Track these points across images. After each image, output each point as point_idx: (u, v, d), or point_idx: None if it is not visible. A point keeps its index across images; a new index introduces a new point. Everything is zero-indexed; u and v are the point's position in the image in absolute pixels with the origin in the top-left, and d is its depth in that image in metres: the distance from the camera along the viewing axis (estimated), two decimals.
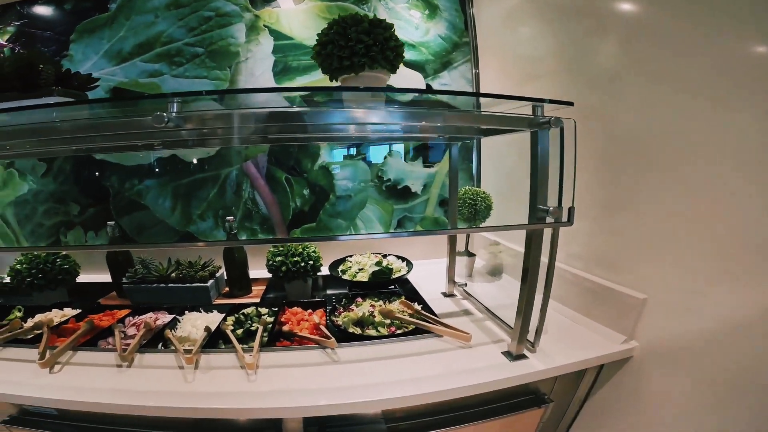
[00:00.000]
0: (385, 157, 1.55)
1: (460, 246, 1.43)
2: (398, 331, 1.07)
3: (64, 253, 1.38)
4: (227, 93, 0.95)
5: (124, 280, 1.32)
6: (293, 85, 1.53)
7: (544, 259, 0.85)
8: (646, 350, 0.91)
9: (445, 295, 1.30)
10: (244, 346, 0.96)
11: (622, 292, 0.95)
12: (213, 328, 1.06)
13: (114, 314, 1.21)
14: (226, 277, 1.41)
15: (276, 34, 1.55)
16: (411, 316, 1.12)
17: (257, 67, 1.54)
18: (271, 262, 1.33)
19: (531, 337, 0.92)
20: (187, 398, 0.78)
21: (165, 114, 0.62)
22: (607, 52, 1.00)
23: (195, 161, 1.52)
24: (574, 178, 0.79)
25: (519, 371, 0.86)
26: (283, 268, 1.31)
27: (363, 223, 1.58)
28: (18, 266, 1.31)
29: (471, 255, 1.41)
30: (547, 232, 0.84)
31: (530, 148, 0.81)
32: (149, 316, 1.17)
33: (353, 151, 1.56)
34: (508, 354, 0.92)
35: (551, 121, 0.77)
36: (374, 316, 1.13)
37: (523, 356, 0.91)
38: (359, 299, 1.23)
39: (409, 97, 0.93)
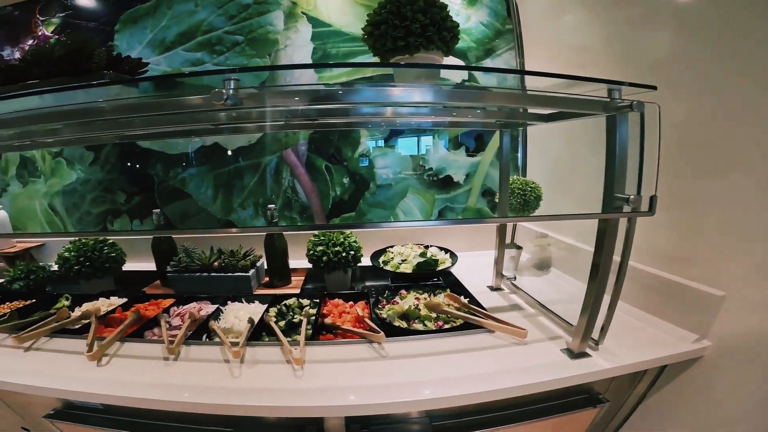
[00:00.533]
0: (427, 146, 1.51)
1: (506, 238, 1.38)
2: (446, 326, 1.03)
3: (111, 241, 1.41)
4: (286, 68, 0.89)
5: (168, 268, 1.33)
6: (333, 75, 1.50)
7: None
8: (718, 349, 0.84)
9: (492, 288, 1.26)
10: (288, 339, 0.94)
11: (697, 289, 0.88)
12: (256, 319, 1.04)
13: (159, 304, 1.22)
14: (265, 267, 1.41)
15: (314, 21, 1.52)
16: (459, 310, 1.08)
17: (296, 54, 1.52)
18: (312, 252, 1.31)
19: (595, 335, 0.87)
20: (235, 395, 0.76)
21: (224, 91, 0.60)
22: (657, 41, 0.95)
23: (236, 150, 1.52)
24: (658, 166, 0.73)
25: (582, 370, 0.82)
26: (324, 258, 1.29)
27: (403, 213, 1.54)
28: (66, 254, 1.33)
29: (518, 248, 1.35)
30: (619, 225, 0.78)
31: (606, 133, 0.74)
32: (192, 306, 1.17)
33: (395, 139, 1.52)
34: (568, 351, 0.88)
35: (633, 105, 0.70)
36: (419, 310, 1.10)
37: (585, 354, 0.86)
38: (403, 291, 1.20)
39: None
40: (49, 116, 0.75)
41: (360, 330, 0.97)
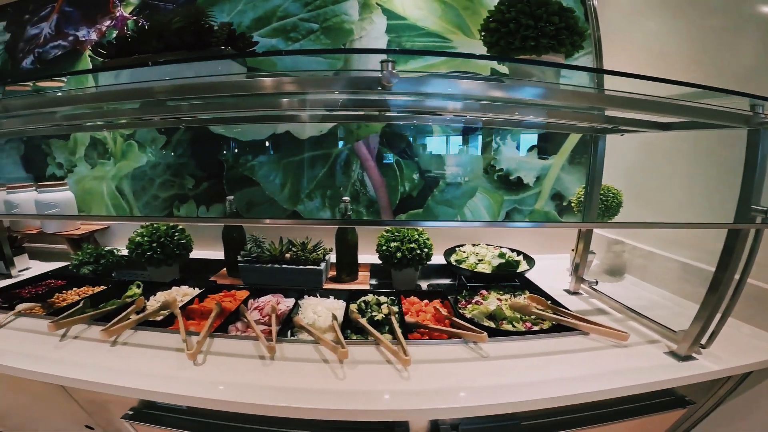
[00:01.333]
0: (499, 146, 1.50)
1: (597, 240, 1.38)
2: (535, 328, 1.04)
3: (181, 227, 1.41)
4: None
5: (240, 258, 1.33)
6: (407, 69, 1.49)
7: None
8: None
9: (569, 292, 1.26)
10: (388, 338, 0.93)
11: None
12: (334, 315, 1.02)
13: (233, 295, 1.19)
14: (333, 261, 1.41)
15: (388, 13, 1.50)
16: (545, 311, 1.09)
17: (371, 46, 1.51)
18: (384, 248, 1.32)
19: (703, 340, 0.87)
20: (347, 398, 0.73)
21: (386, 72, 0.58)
22: (746, 49, 0.94)
23: (307, 139, 1.52)
24: None
25: (691, 372, 0.82)
26: (399, 255, 1.30)
27: (470, 212, 1.54)
28: (138, 238, 1.31)
29: (591, 253, 1.35)
30: None
31: (747, 147, 0.74)
32: (268, 300, 1.15)
33: (469, 137, 1.52)
34: (673, 354, 0.88)
35: None
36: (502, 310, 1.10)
37: (691, 357, 0.87)
38: (483, 292, 1.20)
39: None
40: (164, 91, 0.72)
41: (459, 330, 0.97)
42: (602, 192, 1.25)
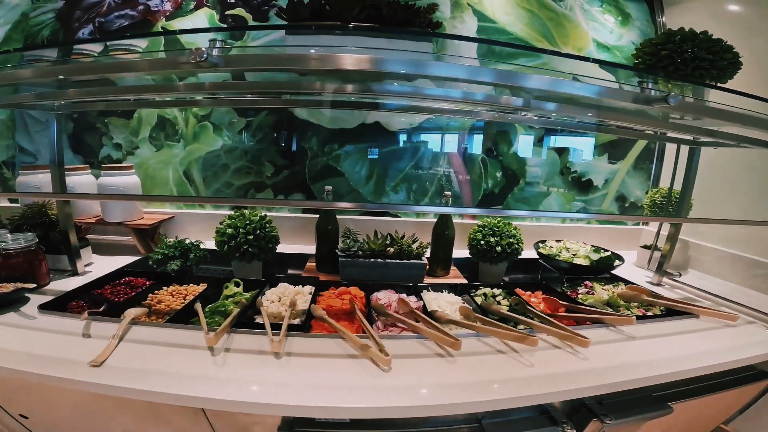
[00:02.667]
0: (576, 149, 1.61)
1: (647, 240, 1.53)
2: (648, 313, 1.14)
3: (268, 218, 1.33)
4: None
5: (340, 253, 1.31)
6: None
7: None
8: None
9: (652, 284, 1.39)
10: (524, 329, 0.96)
11: None
12: (454, 309, 1.05)
13: (348, 292, 1.13)
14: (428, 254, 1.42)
15: (479, 15, 1.56)
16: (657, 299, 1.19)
17: (463, 45, 1.55)
18: (483, 242, 1.36)
19: None
20: (554, 380, 0.77)
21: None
22: None
23: (397, 131, 1.53)
24: None
25: None
26: (498, 249, 1.35)
27: (544, 210, 1.64)
28: (230, 230, 1.22)
29: (657, 249, 1.50)
30: None
31: None
32: (388, 296, 1.13)
33: (549, 138, 1.61)
34: None
35: None
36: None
37: None
38: (588, 283, 1.29)
39: None
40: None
41: (606, 316, 1.05)
42: (676, 196, 1.40)
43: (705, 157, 1.45)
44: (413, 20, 0.82)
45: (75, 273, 1.21)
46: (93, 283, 1.11)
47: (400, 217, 1.58)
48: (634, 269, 1.53)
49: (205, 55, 0.54)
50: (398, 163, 1.55)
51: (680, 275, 1.37)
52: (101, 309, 0.92)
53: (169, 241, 1.28)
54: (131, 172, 1.40)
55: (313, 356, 0.81)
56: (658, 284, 1.39)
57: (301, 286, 1.17)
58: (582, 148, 1.62)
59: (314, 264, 1.43)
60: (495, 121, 1.52)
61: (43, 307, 0.94)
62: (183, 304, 1.02)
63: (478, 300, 1.15)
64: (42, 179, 1.39)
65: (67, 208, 1.17)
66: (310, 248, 1.45)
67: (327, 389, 0.70)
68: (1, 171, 1.60)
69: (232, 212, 1.30)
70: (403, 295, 1.14)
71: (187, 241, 1.29)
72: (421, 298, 1.14)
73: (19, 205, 1.48)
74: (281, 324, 0.88)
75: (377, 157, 1.54)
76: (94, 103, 1.24)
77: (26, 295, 1.02)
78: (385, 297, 1.15)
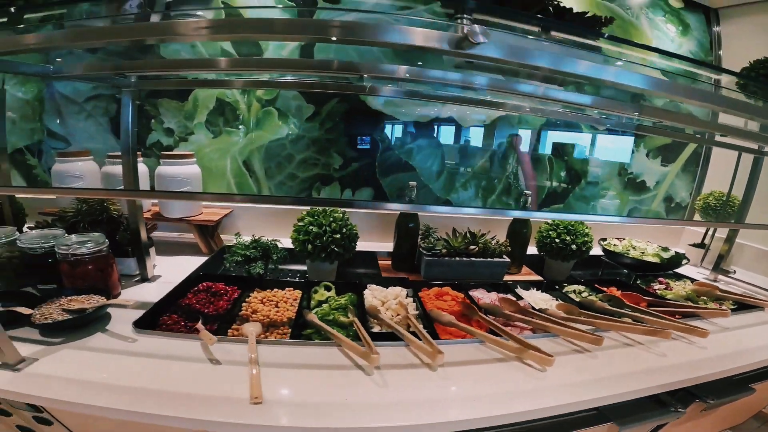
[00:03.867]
0: (633, 152, 1.66)
1: (689, 238, 1.62)
2: (723, 307, 1.20)
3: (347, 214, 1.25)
4: None
5: (424, 252, 1.25)
6: None
7: None
8: None
9: (708, 280, 1.46)
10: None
11: None
12: (552, 306, 1.06)
13: (447, 293, 1.09)
14: None
15: None
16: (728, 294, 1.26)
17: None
18: (558, 240, 1.37)
19: None
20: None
21: None
22: None
23: (470, 127, 1.50)
24: None
25: None
26: (573, 247, 1.36)
27: (600, 209, 1.67)
28: (314, 228, 1.12)
29: (707, 248, 1.58)
30: None
31: None
32: (487, 295, 1.12)
33: (609, 142, 1.65)
34: None
35: None
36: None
37: None
38: (662, 279, 1.34)
39: None
40: None
41: (704, 309, 1.09)
42: (731, 200, 1.49)
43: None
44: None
45: (145, 278, 1.08)
46: (175, 291, 0.97)
47: (460, 214, 1.55)
48: (686, 266, 1.61)
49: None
50: (469, 159, 1.52)
51: (735, 272, 1.45)
52: (198, 324, 0.80)
53: (245, 241, 1.18)
54: (192, 161, 1.26)
55: (464, 364, 0.77)
56: (714, 280, 1.46)
57: (400, 287, 1.11)
58: (640, 151, 1.67)
59: (388, 262, 1.37)
60: (564, 121, 1.53)
61: (139, 325, 0.82)
62: (281, 314, 0.94)
63: (574, 297, 1.16)
64: (83, 167, 1.23)
65: (138, 202, 1.03)
66: (375, 245, 1.40)
67: (501, 396, 0.68)
68: (24, 157, 1.39)
69: (309, 208, 1.21)
70: (504, 294, 1.12)
71: (263, 240, 1.19)
72: (519, 297, 1.12)
73: (52, 197, 1.29)
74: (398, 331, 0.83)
75: (449, 152, 1.50)
76: (166, 80, 1.09)
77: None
78: (485, 296, 1.12)
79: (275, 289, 1.09)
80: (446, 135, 1.49)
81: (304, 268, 1.25)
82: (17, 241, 0.90)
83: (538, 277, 1.38)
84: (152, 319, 0.86)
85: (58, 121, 1.36)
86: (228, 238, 1.35)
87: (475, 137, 1.51)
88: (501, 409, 0.65)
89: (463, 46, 0.50)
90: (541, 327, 0.92)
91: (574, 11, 0.85)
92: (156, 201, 1.30)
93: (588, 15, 0.87)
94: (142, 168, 1.26)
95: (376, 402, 0.65)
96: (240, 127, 1.39)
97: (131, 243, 1.05)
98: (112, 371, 0.68)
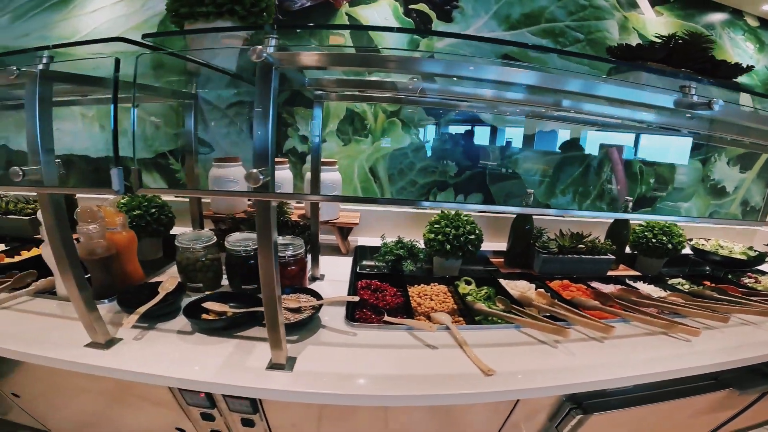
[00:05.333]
0: (715, 160, 1.78)
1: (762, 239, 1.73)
2: None
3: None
4: None
5: (541, 250, 1.38)
6: None
7: None
8: None
9: None
10: None
11: None
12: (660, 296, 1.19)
13: (570, 286, 1.26)
14: None
15: (642, 38, 1.67)
16: None
17: None
18: (655, 240, 1.49)
19: None
20: None
21: None
22: None
23: (566, 140, 1.62)
24: None
25: None
26: (669, 246, 1.48)
27: (683, 212, 1.79)
28: (451, 230, 1.24)
29: None
30: None
31: None
32: (605, 286, 1.27)
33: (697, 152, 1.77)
34: None
35: None
36: None
37: None
38: (751, 274, 1.47)
39: None
40: None
41: None
42: None
43: None
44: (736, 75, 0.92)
45: (315, 277, 1.20)
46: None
47: (563, 217, 1.67)
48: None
49: None
50: (568, 168, 1.64)
51: None
52: (386, 317, 0.94)
53: (389, 241, 1.31)
54: (336, 168, 1.39)
55: (622, 337, 0.93)
56: None
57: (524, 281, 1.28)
58: (721, 159, 1.79)
59: (498, 260, 1.50)
60: (655, 134, 1.65)
61: (351, 320, 0.93)
62: (442, 305, 1.07)
63: (686, 288, 1.32)
64: (236, 172, 1.35)
65: (316, 207, 1.16)
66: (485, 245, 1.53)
67: (666, 359, 0.85)
68: (168, 161, 1.52)
69: (439, 212, 1.35)
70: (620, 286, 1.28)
71: (406, 240, 1.32)
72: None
73: (185, 199, 1.42)
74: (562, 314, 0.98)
75: (550, 162, 1.62)
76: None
77: None
78: (603, 288, 1.28)
79: (422, 284, 1.23)
80: (548, 145, 1.61)
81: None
82: (226, 243, 1.02)
83: (635, 272, 1.50)
84: (353, 314, 0.97)
85: (201, 126, 1.48)
86: (352, 239, 1.48)
87: (573, 147, 1.63)
88: (672, 365, 0.81)
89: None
90: (672, 309, 1.07)
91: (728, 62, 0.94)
92: (303, 204, 1.42)
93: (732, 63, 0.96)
94: (289, 174, 1.39)
95: (579, 365, 0.80)
96: (367, 135, 1.51)
97: (309, 243, 1.18)
98: (360, 363, 0.77)
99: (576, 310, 0.99)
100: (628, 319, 1.02)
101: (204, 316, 0.87)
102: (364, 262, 1.38)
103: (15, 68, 0.63)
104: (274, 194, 0.63)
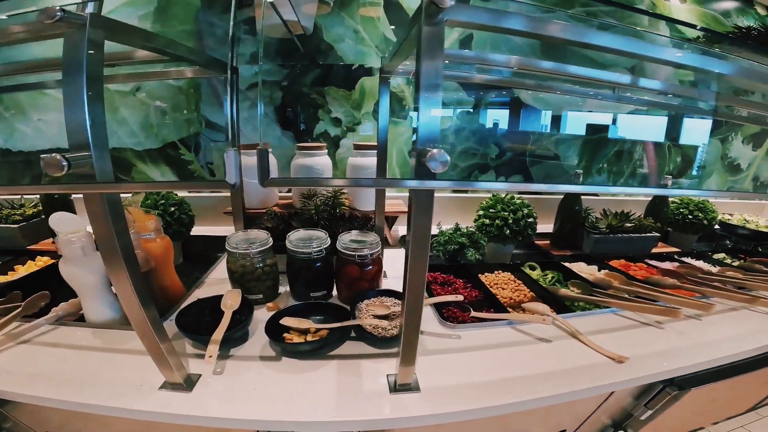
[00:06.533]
0: (732, 139, 1.83)
1: None
2: None
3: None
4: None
5: (591, 230, 1.34)
6: None
7: None
8: None
9: None
10: None
11: None
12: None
13: (630, 266, 1.23)
14: None
15: (669, 27, 1.66)
16: None
17: None
18: (688, 216, 1.50)
19: None
20: None
21: None
22: None
23: (602, 123, 1.59)
24: None
25: None
26: (704, 222, 1.49)
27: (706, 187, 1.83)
28: (507, 214, 1.17)
29: None
30: None
31: None
32: (663, 264, 1.25)
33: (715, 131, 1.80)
34: None
35: None
36: None
37: None
38: None
39: None
40: None
41: None
42: None
43: None
44: None
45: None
46: None
47: (598, 195, 1.65)
48: None
49: None
50: (603, 148, 1.61)
51: None
52: (473, 312, 0.85)
53: (446, 229, 1.21)
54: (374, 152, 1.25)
55: (717, 314, 0.91)
56: None
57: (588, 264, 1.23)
58: (737, 138, 1.84)
59: (546, 242, 1.44)
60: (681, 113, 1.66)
61: (445, 320, 0.83)
62: (523, 292, 1.00)
63: (733, 263, 1.30)
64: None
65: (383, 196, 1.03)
66: None
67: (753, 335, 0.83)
68: (179, 152, 1.32)
69: (489, 197, 1.26)
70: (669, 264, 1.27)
71: (463, 228, 1.23)
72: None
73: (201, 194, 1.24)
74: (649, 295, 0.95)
75: (587, 144, 1.58)
76: None
77: None
78: (661, 265, 1.26)
79: (486, 273, 1.14)
80: (584, 128, 1.57)
81: None
82: (287, 244, 0.87)
83: (674, 249, 1.50)
84: (441, 313, 0.86)
85: (218, 111, 1.29)
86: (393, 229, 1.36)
87: (608, 129, 1.61)
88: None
89: None
90: (740, 284, 1.05)
91: None
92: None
93: None
94: (328, 161, 1.24)
95: (689, 344, 0.79)
96: (406, 117, 1.38)
97: None
98: (482, 368, 0.69)
99: (665, 291, 0.96)
100: (707, 295, 0.99)
101: (286, 335, 0.72)
102: None
103: (59, 9, 0.44)
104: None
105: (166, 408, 0.56)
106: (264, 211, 1.09)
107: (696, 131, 1.75)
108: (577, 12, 1.44)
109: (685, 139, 1.73)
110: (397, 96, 1.37)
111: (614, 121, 1.61)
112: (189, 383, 0.60)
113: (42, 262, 1.06)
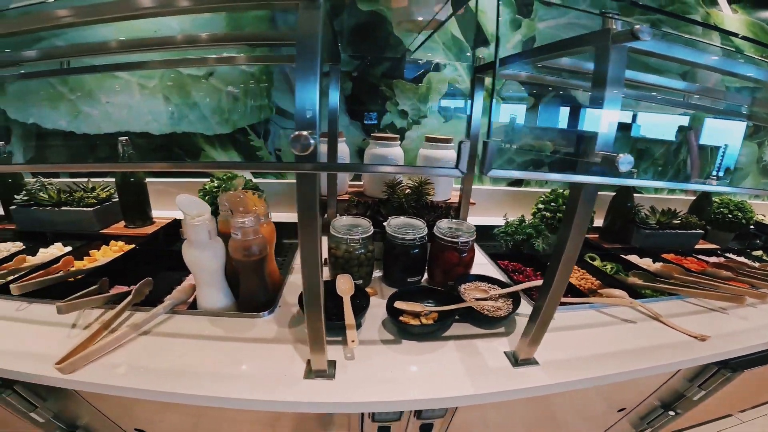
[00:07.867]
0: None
1: None
2: None
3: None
4: None
5: (642, 225, 1.40)
6: None
7: None
8: None
9: None
10: None
11: None
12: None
13: (681, 260, 1.30)
14: None
15: (722, 36, 1.69)
16: None
17: None
18: (728, 215, 1.56)
19: None
20: None
21: None
22: None
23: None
24: None
25: None
26: (744, 221, 1.57)
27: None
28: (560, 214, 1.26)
29: None
30: None
31: None
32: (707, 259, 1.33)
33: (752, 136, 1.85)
34: None
35: None
36: None
37: None
38: None
39: None
40: None
41: None
42: None
43: None
44: None
45: None
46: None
47: (642, 193, 1.71)
48: None
49: None
50: (650, 147, 1.66)
51: None
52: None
53: (512, 220, 1.26)
54: (451, 145, 1.29)
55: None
56: None
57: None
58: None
59: (594, 236, 1.50)
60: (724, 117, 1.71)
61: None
62: (589, 281, 1.07)
63: None
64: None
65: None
66: None
67: None
68: (248, 138, 1.34)
69: (548, 191, 1.32)
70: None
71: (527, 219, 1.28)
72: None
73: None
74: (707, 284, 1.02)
75: (636, 143, 1.63)
76: None
77: None
78: (709, 259, 1.34)
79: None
80: (633, 128, 1.62)
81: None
82: (387, 229, 0.91)
83: (713, 245, 1.57)
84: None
85: (290, 98, 1.32)
86: None
87: (655, 131, 1.66)
88: None
89: None
90: None
91: None
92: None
93: None
94: (400, 152, 1.27)
95: (752, 326, 0.87)
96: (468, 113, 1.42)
97: None
98: (584, 344, 0.76)
99: (723, 281, 1.04)
100: (757, 287, 1.06)
101: (401, 318, 0.76)
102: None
103: None
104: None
105: (315, 397, 0.58)
106: (346, 197, 1.13)
107: (734, 134, 1.81)
108: (639, 19, 1.48)
109: (724, 141, 1.79)
110: (462, 91, 1.40)
111: (664, 123, 1.66)
112: (331, 371, 0.63)
113: (117, 247, 1.06)
